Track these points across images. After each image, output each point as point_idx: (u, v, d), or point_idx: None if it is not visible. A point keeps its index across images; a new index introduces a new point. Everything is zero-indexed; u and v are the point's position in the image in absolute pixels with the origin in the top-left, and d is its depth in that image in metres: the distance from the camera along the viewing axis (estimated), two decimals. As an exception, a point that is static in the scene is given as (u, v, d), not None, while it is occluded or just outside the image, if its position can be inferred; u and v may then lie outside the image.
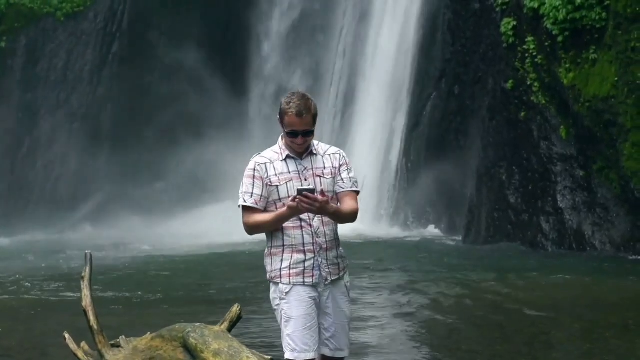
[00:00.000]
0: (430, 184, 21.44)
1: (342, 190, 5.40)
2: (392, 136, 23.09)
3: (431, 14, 22.31)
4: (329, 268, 5.35)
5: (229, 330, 6.41)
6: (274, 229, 5.32)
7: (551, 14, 17.49)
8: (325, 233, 5.33)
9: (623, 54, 16.27)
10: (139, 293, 13.28)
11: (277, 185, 5.30)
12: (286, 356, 5.31)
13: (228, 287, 13.85)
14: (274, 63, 27.06)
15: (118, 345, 6.66)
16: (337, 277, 5.39)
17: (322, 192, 5.16)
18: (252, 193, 5.31)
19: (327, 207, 5.17)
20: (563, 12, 17.23)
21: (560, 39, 17.50)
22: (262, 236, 5.45)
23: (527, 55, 18.41)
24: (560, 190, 17.76)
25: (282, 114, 5.27)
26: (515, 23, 18.76)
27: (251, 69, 27.41)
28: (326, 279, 5.34)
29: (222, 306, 10.28)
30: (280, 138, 5.42)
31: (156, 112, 25.70)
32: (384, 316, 10.98)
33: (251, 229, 5.36)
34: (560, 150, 17.97)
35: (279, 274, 5.34)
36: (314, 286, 5.32)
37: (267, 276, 5.42)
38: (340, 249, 5.46)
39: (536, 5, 17.92)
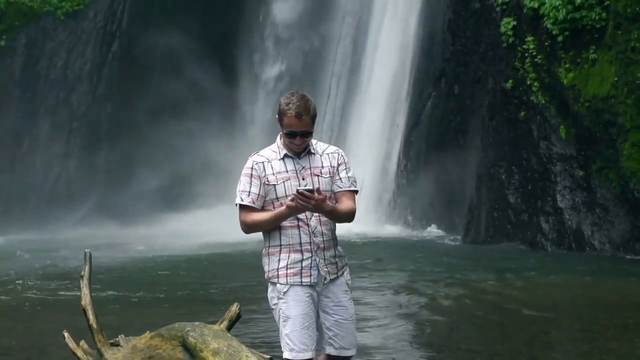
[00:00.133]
0: (430, 184, 21.43)
1: (340, 189, 5.39)
2: (392, 135, 23.08)
3: (431, 13, 22.30)
4: (327, 267, 5.34)
5: (228, 329, 6.41)
6: (271, 228, 5.31)
7: (551, 14, 17.49)
8: (322, 232, 5.32)
9: (623, 54, 16.27)
10: (138, 292, 13.27)
11: (274, 185, 5.29)
12: (285, 355, 5.31)
13: (228, 287, 13.85)
14: (274, 65, 27.05)
15: (117, 344, 6.66)
16: (335, 276, 5.38)
17: (319, 190, 5.15)
18: (249, 192, 5.30)
19: (324, 205, 5.16)
20: (563, 12, 17.23)
21: (560, 38, 17.50)
22: (263, 236, 5.45)
23: (526, 55, 18.41)
24: (560, 190, 17.76)
25: (281, 114, 5.26)
26: (515, 23, 18.76)
27: (251, 68, 27.41)
28: (325, 278, 5.33)
29: (221, 305, 10.27)
30: (278, 137, 5.41)
31: (156, 112, 25.69)
32: (383, 316, 10.97)
33: (248, 227, 5.35)
34: (559, 150, 17.97)
35: (276, 273, 5.33)
36: (311, 286, 5.31)
37: (265, 276, 5.42)
38: (339, 248, 5.45)
39: (536, 5, 17.92)
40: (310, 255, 5.30)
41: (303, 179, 5.30)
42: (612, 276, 14.07)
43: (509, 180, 18.65)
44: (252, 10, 27.30)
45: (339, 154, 5.45)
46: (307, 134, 5.28)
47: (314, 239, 5.30)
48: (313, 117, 5.27)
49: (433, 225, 21.30)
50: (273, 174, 5.31)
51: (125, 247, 20.40)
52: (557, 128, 18.03)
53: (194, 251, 18.94)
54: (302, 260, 5.30)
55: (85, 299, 6.65)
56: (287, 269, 5.30)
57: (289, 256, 5.30)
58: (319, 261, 5.31)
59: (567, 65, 17.47)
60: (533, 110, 18.47)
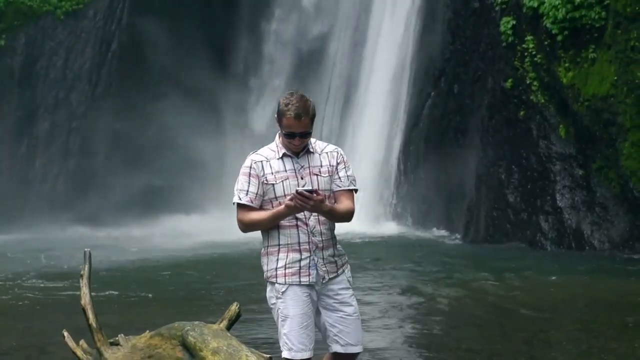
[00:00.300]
0: (430, 183, 21.43)
1: (339, 188, 5.38)
2: (392, 135, 23.08)
3: (431, 12, 22.29)
4: (325, 267, 5.34)
5: (228, 328, 6.40)
6: (269, 227, 5.31)
7: (550, 13, 17.49)
8: (321, 232, 5.32)
9: (622, 53, 16.27)
10: (138, 292, 13.27)
11: (273, 184, 5.29)
12: (283, 355, 5.32)
13: (228, 286, 13.85)
14: (274, 64, 27.05)
15: (117, 344, 6.66)
16: (335, 274, 5.38)
17: (317, 191, 5.14)
18: (247, 191, 5.30)
19: (322, 205, 5.16)
20: (562, 11, 17.24)
21: (559, 38, 17.50)
22: (261, 235, 5.44)
23: (526, 54, 18.41)
24: (559, 190, 17.77)
25: (280, 115, 5.25)
26: (514, 22, 18.76)
27: (251, 69, 27.40)
28: (323, 278, 5.33)
29: (221, 305, 10.27)
30: (277, 136, 5.40)
31: (155, 111, 25.68)
32: (382, 315, 10.97)
33: (246, 226, 5.35)
34: (559, 149, 17.97)
35: (274, 273, 5.33)
36: (310, 285, 5.31)
37: (264, 275, 5.42)
38: (338, 246, 5.44)
39: (535, 4, 17.92)
40: (309, 254, 5.30)
41: (302, 178, 5.30)
42: (612, 275, 14.07)
43: (509, 180, 18.65)
44: (251, 10, 27.29)
45: (338, 153, 5.44)
46: (306, 135, 5.27)
47: (313, 238, 5.30)
48: (312, 118, 5.26)
49: (432, 225, 21.29)
50: (272, 173, 5.30)
51: (125, 246, 20.39)
52: (556, 127, 18.03)
53: (194, 251, 18.93)
54: (300, 260, 5.30)
55: (85, 298, 6.65)
56: (285, 269, 5.30)
57: (287, 256, 5.30)
58: (317, 261, 5.31)
59: (566, 65, 17.47)
60: (532, 109, 18.47)
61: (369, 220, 21.26)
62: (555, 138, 18.03)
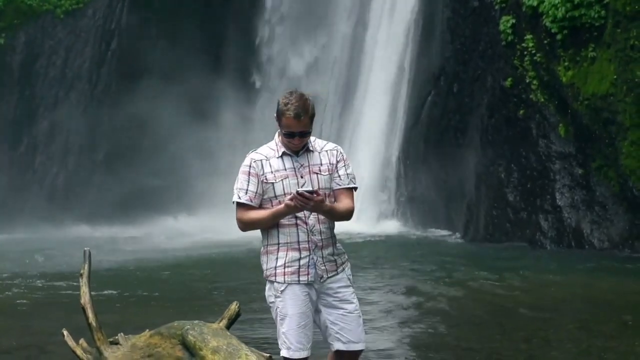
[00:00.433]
0: (429, 183, 21.43)
1: (339, 187, 5.38)
2: (391, 134, 23.08)
3: (430, 12, 22.29)
4: (324, 265, 5.34)
5: (228, 327, 6.40)
6: (268, 226, 5.31)
7: (550, 12, 17.50)
8: (320, 231, 5.32)
9: (622, 52, 16.27)
10: (138, 291, 13.27)
11: (272, 183, 5.29)
12: (282, 354, 5.33)
13: (228, 285, 13.85)
14: (273, 64, 27.05)
15: (116, 343, 6.65)
16: (335, 273, 5.37)
17: (317, 192, 5.15)
18: (247, 190, 5.30)
19: (322, 205, 5.16)
20: (562, 10, 17.24)
21: (559, 37, 17.51)
22: (261, 234, 5.44)
23: (526, 53, 18.41)
24: (559, 188, 17.77)
25: (280, 114, 5.25)
26: (514, 21, 18.76)
27: (250, 68, 27.39)
28: (322, 277, 5.33)
29: (222, 304, 10.27)
30: (276, 134, 5.39)
31: (155, 110, 25.67)
32: (382, 315, 10.97)
33: (245, 225, 5.34)
34: (558, 148, 17.98)
35: (274, 272, 5.33)
36: (309, 284, 5.31)
37: (263, 274, 5.42)
38: (338, 245, 5.44)
39: (535, 3, 17.93)
40: (308, 253, 5.30)
41: (301, 177, 5.29)
42: (611, 274, 14.07)
43: (508, 179, 18.65)
44: (251, 10, 27.28)
45: (337, 151, 5.43)
46: (306, 134, 5.27)
47: (312, 237, 5.30)
48: (311, 117, 5.26)
49: (432, 224, 21.31)
50: (271, 172, 5.30)
51: (125, 245, 20.39)
52: (556, 126, 18.03)
53: (194, 250, 18.93)
54: (299, 259, 5.29)
55: (85, 298, 6.65)
56: (285, 268, 5.30)
57: (286, 254, 5.30)
58: (316, 260, 5.31)
59: (566, 64, 17.48)
60: (532, 108, 18.47)
61: (369, 220, 21.28)
62: (555, 137, 18.04)
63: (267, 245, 5.38)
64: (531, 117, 18.46)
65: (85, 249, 6.82)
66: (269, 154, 5.35)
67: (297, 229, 5.28)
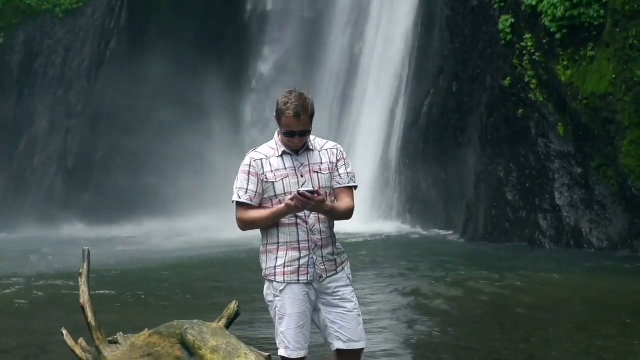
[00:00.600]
0: (429, 182, 21.44)
1: (339, 185, 5.37)
2: (391, 133, 23.10)
3: (429, 11, 22.30)
4: (324, 265, 5.33)
5: (227, 327, 6.40)
6: (268, 225, 5.30)
7: (549, 11, 17.50)
8: (320, 230, 5.31)
9: (621, 51, 16.27)
10: (137, 290, 13.26)
11: (272, 182, 5.28)
12: (280, 353, 5.34)
13: (228, 285, 13.85)
14: (272, 64, 27.04)
15: (116, 342, 6.65)
16: (334, 273, 5.36)
17: (318, 192, 5.14)
18: (247, 189, 5.29)
19: (323, 205, 5.15)
20: (561, 9, 17.24)
21: (558, 36, 17.51)
22: (260, 233, 5.44)
23: (525, 52, 18.42)
24: (558, 188, 17.77)
25: (279, 113, 5.23)
26: (513, 20, 18.77)
27: (250, 66, 27.40)
28: (321, 276, 5.32)
29: (221, 304, 10.26)
30: (276, 133, 5.38)
31: (154, 108, 25.69)
32: (381, 314, 10.97)
33: (245, 225, 5.34)
34: (557, 148, 17.98)
35: (273, 271, 5.33)
36: (308, 283, 5.31)
37: (262, 273, 5.42)
38: (337, 244, 5.43)
39: (534, 3, 17.93)
40: (308, 253, 5.29)
41: (302, 176, 5.28)
42: (610, 273, 14.08)
43: (507, 178, 18.66)
44: (251, 9, 27.28)
45: (337, 150, 5.42)
46: (306, 133, 5.26)
47: (312, 236, 5.29)
48: (311, 116, 5.25)
49: (432, 224, 21.32)
50: (271, 171, 5.29)
51: (125, 245, 20.40)
52: (555, 125, 18.04)
53: (194, 250, 18.93)
54: (299, 259, 5.29)
55: (84, 297, 6.64)
56: (284, 267, 5.29)
57: (286, 254, 5.29)
58: (316, 259, 5.30)
59: (565, 63, 17.48)
60: (531, 107, 18.47)
61: (369, 219, 21.28)
62: (554, 136, 18.04)
63: (266, 244, 5.37)
64: (530, 117, 18.46)
65: (85, 248, 6.81)
66: (269, 153, 5.34)
67: (297, 229, 5.28)
